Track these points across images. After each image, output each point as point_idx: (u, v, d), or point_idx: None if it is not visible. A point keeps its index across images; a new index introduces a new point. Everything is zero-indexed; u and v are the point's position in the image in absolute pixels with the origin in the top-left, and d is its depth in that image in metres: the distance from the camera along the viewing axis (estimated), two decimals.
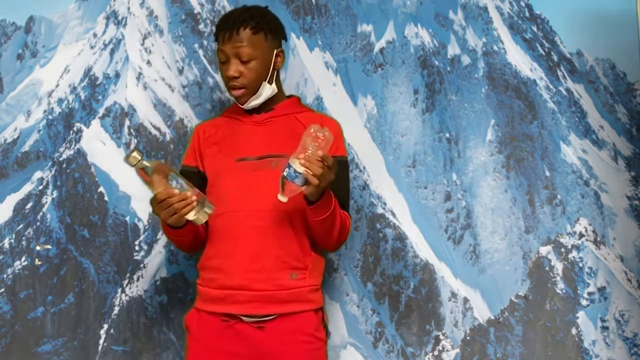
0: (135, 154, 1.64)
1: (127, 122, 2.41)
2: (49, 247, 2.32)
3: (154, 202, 1.69)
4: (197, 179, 1.89)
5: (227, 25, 1.87)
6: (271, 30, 1.91)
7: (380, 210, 2.48)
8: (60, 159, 2.38)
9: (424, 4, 2.64)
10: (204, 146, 1.94)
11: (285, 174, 1.65)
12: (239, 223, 1.81)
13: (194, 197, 1.67)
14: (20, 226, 2.34)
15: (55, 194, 2.36)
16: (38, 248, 2.32)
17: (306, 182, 1.64)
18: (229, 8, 2.48)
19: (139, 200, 2.37)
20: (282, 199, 1.67)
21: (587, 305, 2.51)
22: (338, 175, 1.76)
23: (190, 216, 1.69)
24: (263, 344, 1.79)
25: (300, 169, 1.63)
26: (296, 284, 1.81)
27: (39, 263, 2.31)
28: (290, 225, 1.81)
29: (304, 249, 1.84)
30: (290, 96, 2.03)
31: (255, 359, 1.80)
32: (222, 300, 1.80)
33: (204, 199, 1.70)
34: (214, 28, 2.45)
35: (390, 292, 2.46)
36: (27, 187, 2.37)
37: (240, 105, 1.91)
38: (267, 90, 1.92)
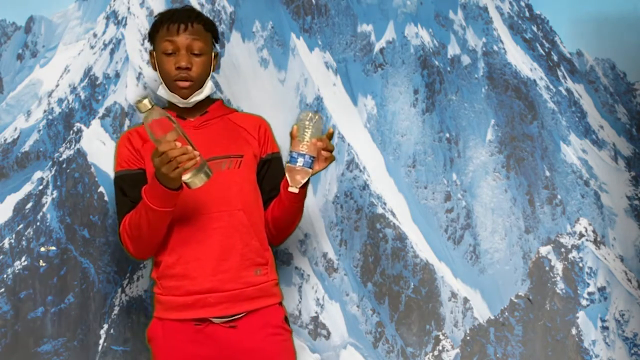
0: (146, 101, 1.58)
1: (127, 122, 2.41)
2: (53, 248, 2.32)
3: (155, 155, 1.62)
4: (145, 181, 1.84)
5: (179, 18, 1.87)
6: (214, 32, 1.96)
7: (380, 210, 2.48)
8: (60, 159, 2.38)
9: (424, 4, 2.64)
10: (143, 152, 1.88)
11: (301, 164, 1.70)
12: (200, 227, 1.79)
13: (197, 153, 1.62)
14: (20, 226, 2.34)
15: (55, 194, 2.36)
16: (42, 249, 2.32)
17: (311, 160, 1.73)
18: (229, 8, 2.48)
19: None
20: (296, 190, 1.73)
21: (587, 305, 2.51)
22: (277, 170, 1.88)
23: (187, 177, 1.63)
24: (236, 342, 1.80)
25: (314, 153, 1.71)
26: (261, 280, 1.83)
27: (43, 265, 2.31)
28: (248, 222, 1.83)
29: (263, 245, 1.87)
30: (215, 99, 2.02)
31: (228, 359, 1.81)
32: (192, 306, 1.79)
33: (204, 162, 1.65)
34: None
35: (390, 292, 2.46)
36: (27, 187, 2.37)
37: (182, 99, 1.87)
38: (209, 89, 1.92)
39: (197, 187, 1.65)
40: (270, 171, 1.89)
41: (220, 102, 2.00)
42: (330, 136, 1.75)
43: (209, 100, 1.95)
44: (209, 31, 1.92)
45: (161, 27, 1.88)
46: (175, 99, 1.88)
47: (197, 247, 1.79)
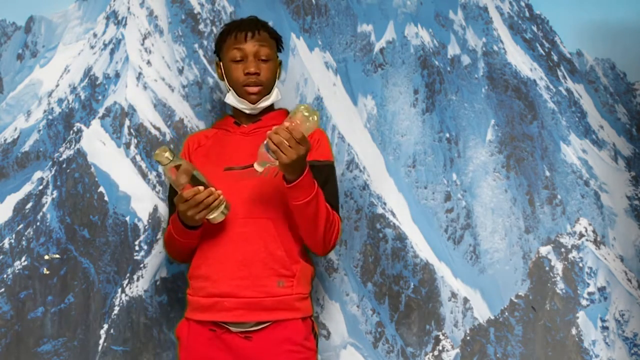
0: (167, 154, 1.66)
1: (127, 122, 2.41)
2: (57, 256, 2.32)
3: (179, 200, 1.71)
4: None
5: (246, 26, 1.93)
6: (278, 40, 2.01)
7: (380, 210, 2.48)
8: (60, 159, 2.39)
9: (424, 4, 2.64)
10: (194, 157, 1.96)
11: (263, 146, 1.66)
12: (226, 231, 1.82)
13: (220, 192, 1.71)
14: (20, 226, 2.34)
15: (55, 194, 2.36)
16: (47, 257, 2.32)
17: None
18: (229, 8, 2.48)
19: (139, 200, 2.37)
20: (258, 168, 1.67)
21: (587, 305, 2.51)
22: (325, 178, 1.84)
23: (210, 214, 1.72)
24: (250, 354, 1.79)
25: (271, 146, 1.63)
26: (283, 292, 1.81)
27: (47, 272, 2.31)
28: (276, 232, 1.82)
29: (292, 256, 1.84)
30: (278, 108, 2.05)
31: None
32: (210, 308, 1.81)
33: (223, 199, 1.74)
34: (214, 28, 2.45)
35: (390, 292, 2.46)
36: (27, 187, 2.37)
37: (251, 104, 1.92)
38: (275, 95, 1.97)
39: (217, 222, 1.75)
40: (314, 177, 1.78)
41: (281, 112, 2.02)
42: (294, 134, 1.62)
43: (269, 108, 1.99)
44: (274, 39, 1.98)
45: (228, 36, 1.94)
46: (244, 105, 1.93)
47: (221, 250, 1.82)
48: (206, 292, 1.82)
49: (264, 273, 1.80)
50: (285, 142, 1.62)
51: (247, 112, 1.95)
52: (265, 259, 1.80)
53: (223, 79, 1.98)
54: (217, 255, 1.82)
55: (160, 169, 1.72)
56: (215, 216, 1.73)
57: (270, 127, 1.92)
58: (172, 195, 1.91)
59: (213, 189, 1.70)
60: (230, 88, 1.95)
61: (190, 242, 1.85)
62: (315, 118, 1.65)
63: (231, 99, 1.95)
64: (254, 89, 1.90)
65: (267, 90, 1.93)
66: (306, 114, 1.64)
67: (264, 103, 1.93)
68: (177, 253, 1.95)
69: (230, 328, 1.79)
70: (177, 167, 1.69)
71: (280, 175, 1.76)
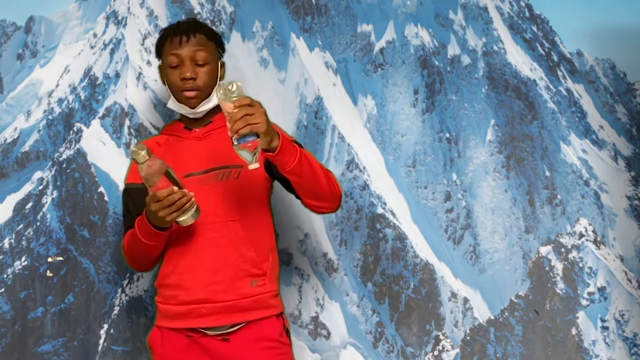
0: (144, 153, 1.64)
1: (127, 122, 2.41)
2: (60, 258, 2.33)
3: (152, 200, 1.67)
4: (145, 196, 1.84)
5: (181, 31, 1.90)
6: (218, 41, 1.97)
7: (380, 210, 2.48)
8: (60, 159, 2.39)
9: (424, 4, 2.64)
10: None
11: (237, 143, 1.56)
12: (194, 238, 1.81)
13: (192, 194, 1.68)
14: (20, 226, 2.34)
15: (55, 194, 2.36)
16: (50, 260, 2.32)
17: (254, 134, 1.57)
18: (229, 8, 2.48)
19: None
20: (255, 165, 1.58)
21: (587, 305, 2.51)
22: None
23: (181, 217, 1.70)
24: (229, 355, 1.80)
25: (242, 130, 1.54)
26: (258, 291, 1.82)
27: (50, 275, 2.31)
28: (244, 233, 1.82)
29: (261, 255, 1.84)
30: None
31: None
32: (186, 316, 1.80)
33: (195, 202, 1.72)
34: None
35: (390, 292, 2.46)
36: (27, 187, 2.37)
37: (191, 109, 1.89)
38: (217, 98, 1.92)
39: (187, 225, 1.71)
40: None
41: None
42: (243, 103, 1.56)
43: (216, 109, 1.95)
44: (212, 40, 1.94)
45: (166, 41, 1.92)
46: (184, 110, 1.91)
47: (191, 258, 1.81)
48: (179, 300, 1.81)
49: (237, 275, 1.80)
50: (246, 114, 1.55)
51: (191, 116, 1.92)
52: (236, 262, 1.80)
53: (165, 84, 1.95)
54: (188, 262, 1.81)
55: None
56: (185, 219, 1.70)
57: (222, 128, 1.86)
58: (128, 203, 1.88)
59: (186, 190, 1.67)
60: (171, 94, 1.92)
61: (157, 244, 1.79)
62: (239, 83, 1.59)
63: (172, 103, 1.93)
64: (191, 94, 1.87)
65: (205, 94, 1.89)
66: (234, 87, 1.58)
67: (204, 107, 1.90)
68: (140, 259, 1.87)
69: (207, 332, 1.80)
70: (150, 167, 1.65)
71: (242, 175, 1.79)
